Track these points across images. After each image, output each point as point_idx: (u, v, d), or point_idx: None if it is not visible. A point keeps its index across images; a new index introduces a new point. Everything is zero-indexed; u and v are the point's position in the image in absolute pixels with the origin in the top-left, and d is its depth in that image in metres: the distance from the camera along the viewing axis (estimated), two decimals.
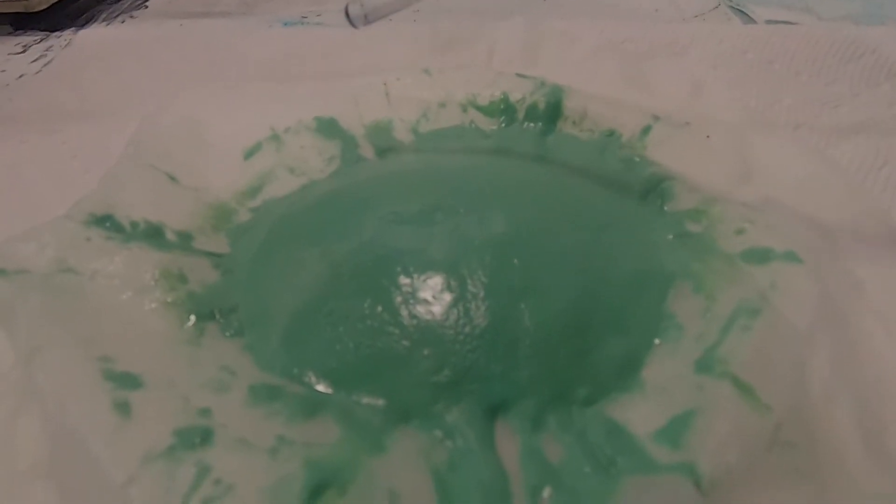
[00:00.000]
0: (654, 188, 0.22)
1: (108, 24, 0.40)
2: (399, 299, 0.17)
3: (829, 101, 0.26)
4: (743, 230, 0.19)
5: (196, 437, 0.14)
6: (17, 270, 0.18)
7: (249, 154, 0.25)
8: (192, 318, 0.18)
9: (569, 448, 0.15)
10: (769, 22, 0.34)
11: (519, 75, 0.27)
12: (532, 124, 0.26)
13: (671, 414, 0.15)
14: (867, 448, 0.14)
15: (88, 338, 0.16)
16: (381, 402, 0.16)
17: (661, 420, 0.15)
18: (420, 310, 0.17)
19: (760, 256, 0.18)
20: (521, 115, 0.26)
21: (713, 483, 0.13)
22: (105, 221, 0.20)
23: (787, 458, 0.13)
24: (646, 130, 0.24)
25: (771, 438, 0.13)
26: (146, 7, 0.42)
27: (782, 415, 0.14)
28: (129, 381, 0.15)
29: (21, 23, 0.39)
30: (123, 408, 0.14)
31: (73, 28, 0.39)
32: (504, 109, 0.26)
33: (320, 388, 0.16)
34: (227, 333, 0.18)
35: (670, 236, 0.20)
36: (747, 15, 0.35)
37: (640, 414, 0.15)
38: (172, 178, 0.23)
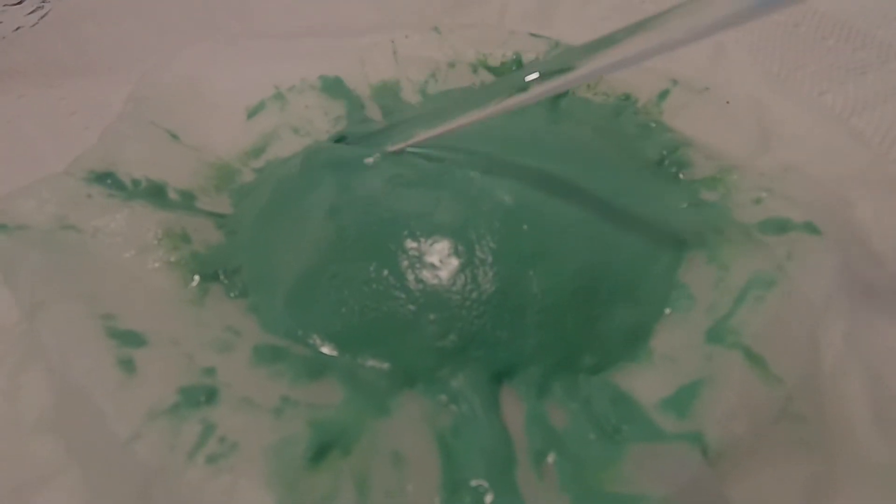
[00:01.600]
0: (670, 155, 0.21)
1: None
2: (405, 263, 0.17)
3: (855, 67, 0.25)
4: (760, 200, 0.18)
5: (201, 396, 0.14)
6: (18, 226, 0.18)
7: (252, 113, 0.24)
8: (196, 278, 0.18)
9: (574, 415, 0.15)
10: None
11: (532, 35, 0.26)
12: None
13: (679, 383, 0.14)
14: (877, 421, 0.14)
15: (92, 295, 0.16)
16: (385, 365, 0.16)
17: (669, 389, 0.14)
18: (426, 274, 0.17)
19: (778, 227, 0.17)
20: None
21: (720, 453, 0.13)
22: (106, 178, 0.20)
23: (795, 430, 0.13)
24: (663, 95, 0.23)
25: (781, 410, 0.13)
26: None
27: (793, 387, 0.14)
28: (132, 338, 0.15)
29: None
30: (128, 365, 0.14)
31: None
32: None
33: (325, 350, 0.16)
34: (231, 294, 0.18)
35: (685, 204, 0.19)
36: None
37: (647, 383, 0.15)
38: (174, 136, 0.23)
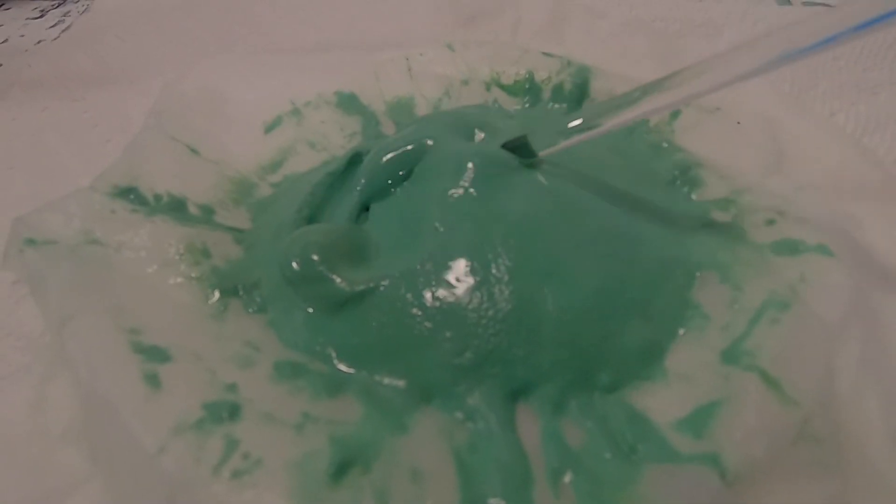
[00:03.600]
0: (682, 175, 0.21)
1: None
2: (421, 280, 0.17)
3: (866, 87, 0.25)
4: (773, 221, 0.18)
5: (224, 411, 0.14)
6: (46, 241, 0.18)
7: (270, 128, 0.25)
8: (216, 293, 0.18)
9: (590, 433, 0.15)
10: (806, 3, 0.33)
11: (545, 54, 0.27)
12: (557, 105, 0.25)
13: (695, 404, 0.15)
14: (892, 443, 0.14)
15: (118, 309, 0.16)
16: (402, 382, 0.16)
17: (685, 409, 0.15)
18: (443, 292, 0.17)
19: (791, 248, 0.17)
20: (546, 95, 0.26)
21: (738, 475, 0.13)
22: (129, 193, 0.20)
23: (812, 452, 0.13)
24: (675, 115, 0.24)
25: (798, 433, 0.13)
26: None
27: (810, 409, 0.14)
28: (157, 354, 0.15)
29: None
30: (153, 380, 0.15)
31: None
32: (529, 89, 0.26)
33: (343, 367, 0.17)
34: (250, 309, 0.18)
35: (698, 225, 0.19)
36: None
37: (662, 402, 0.15)
38: (194, 151, 0.23)
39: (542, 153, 0.19)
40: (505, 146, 0.20)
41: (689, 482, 0.13)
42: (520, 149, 0.19)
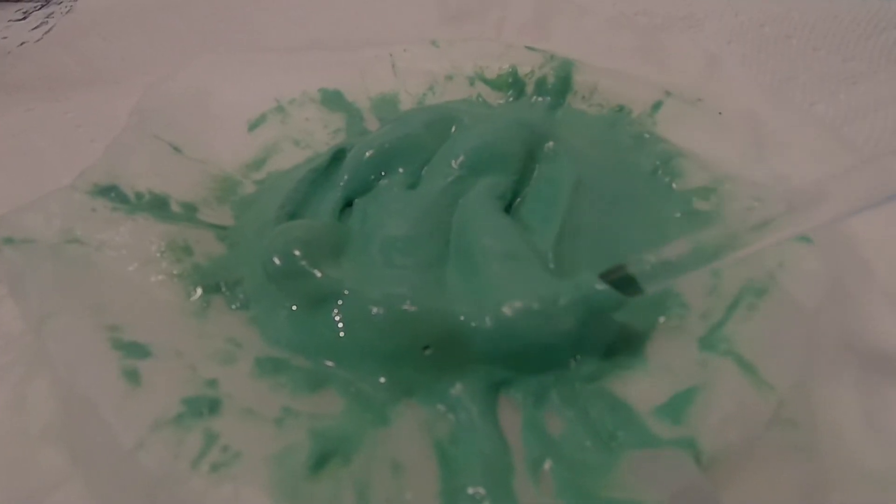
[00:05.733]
0: (664, 165, 0.21)
1: None
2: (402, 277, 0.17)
3: (846, 77, 0.25)
4: (752, 209, 0.19)
5: (204, 407, 0.14)
6: (25, 240, 0.18)
7: (254, 126, 0.25)
8: (199, 290, 0.18)
9: (570, 422, 0.15)
10: None
11: (528, 48, 0.27)
12: (541, 98, 0.25)
13: (674, 391, 0.15)
14: (869, 427, 0.14)
15: (97, 307, 0.16)
16: (383, 377, 0.16)
17: (664, 396, 0.15)
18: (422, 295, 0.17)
19: None
20: (529, 89, 0.26)
21: (713, 458, 0.13)
22: (110, 192, 0.20)
23: (787, 436, 0.14)
24: (657, 106, 0.24)
25: (772, 416, 0.14)
26: None
27: (785, 393, 0.14)
28: (137, 350, 0.15)
29: None
30: (132, 376, 0.14)
31: None
32: (512, 83, 0.26)
33: (324, 362, 0.16)
34: (233, 306, 0.18)
35: (678, 214, 0.19)
36: None
37: (642, 390, 0.15)
38: (177, 149, 0.23)
39: (649, 289, 0.15)
40: (604, 278, 0.15)
41: (666, 466, 0.13)
42: (621, 282, 0.15)
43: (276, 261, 0.17)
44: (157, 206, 0.20)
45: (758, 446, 0.13)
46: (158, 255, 0.19)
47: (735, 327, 0.15)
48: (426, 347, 0.16)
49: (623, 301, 0.15)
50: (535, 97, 0.25)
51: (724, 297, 0.16)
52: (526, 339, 0.15)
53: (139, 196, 0.20)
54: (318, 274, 0.17)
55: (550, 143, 0.22)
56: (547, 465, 0.14)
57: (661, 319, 0.17)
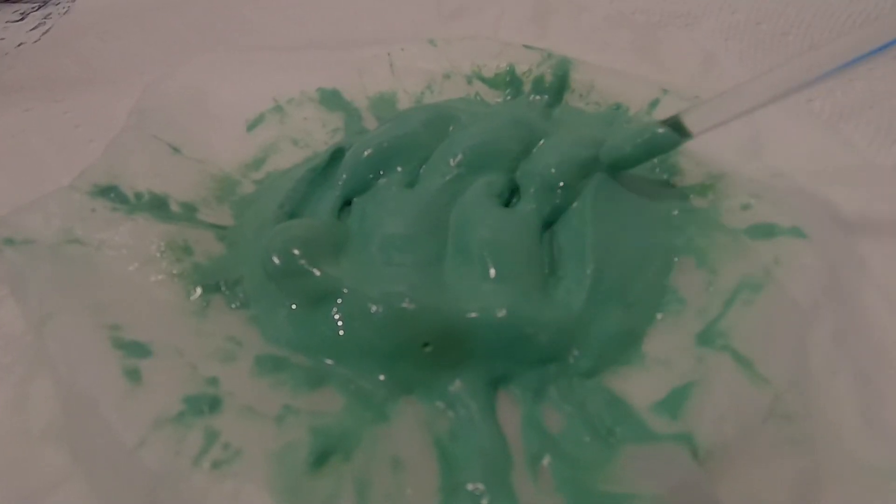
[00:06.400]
0: (661, 162, 0.21)
1: None
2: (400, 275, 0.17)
3: (842, 75, 0.25)
4: (749, 206, 0.19)
5: (204, 405, 0.14)
6: (25, 240, 0.18)
7: (252, 126, 0.25)
8: (198, 289, 0.18)
9: (569, 418, 0.15)
10: None
11: (526, 47, 0.27)
12: (538, 97, 0.25)
13: (671, 386, 0.15)
14: (864, 421, 0.14)
15: (98, 307, 0.16)
16: (382, 375, 0.16)
17: (662, 392, 0.15)
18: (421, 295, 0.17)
19: (765, 232, 0.18)
20: (527, 87, 0.26)
21: (710, 453, 0.13)
22: (109, 192, 0.20)
23: (783, 430, 0.14)
24: (653, 104, 0.24)
25: (768, 410, 0.14)
26: None
27: (781, 388, 0.14)
28: (138, 349, 0.15)
29: None
30: (133, 374, 0.15)
31: None
32: (510, 82, 0.26)
33: (324, 360, 0.17)
34: (233, 305, 0.18)
35: (675, 211, 0.20)
36: None
37: (640, 386, 0.15)
38: (176, 149, 0.23)
39: (696, 132, 0.18)
40: (664, 123, 0.19)
41: (663, 461, 0.13)
42: (676, 126, 0.19)
43: (276, 260, 0.18)
44: (157, 205, 0.20)
45: (754, 440, 0.13)
46: (158, 254, 0.19)
47: (731, 323, 0.15)
48: (426, 344, 0.16)
49: (678, 140, 0.19)
50: (532, 95, 0.25)
51: (721, 293, 0.16)
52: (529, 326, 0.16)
53: (139, 196, 0.20)
54: (317, 273, 0.17)
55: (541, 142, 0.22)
56: (546, 460, 0.14)
57: (659, 315, 0.17)
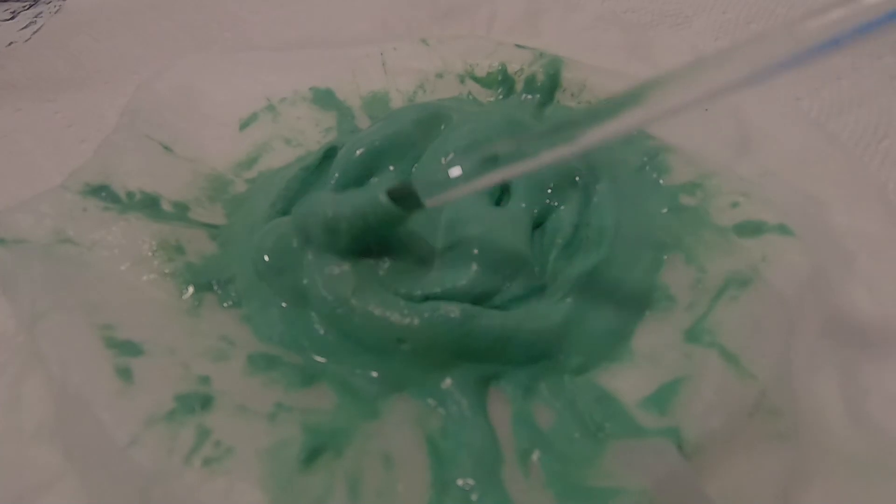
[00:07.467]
0: (651, 161, 0.22)
1: None
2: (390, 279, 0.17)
3: (830, 73, 0.26)
4: (737, 203, 0.19)
5: (196, 403, 0.14)
6: (16, 240, 0.18)
7: (245, 125, 0.25)
8: (191, 288, 0.18)
9: (559, 414, 0.15)
10: None
11: (518, 46, 0.27)
12: (530, 96, 0.26)
13: (659, 382, 0.15)
14: (849, 415, 0.14)
15: (90, 306, 0.16)
16: (375, 372, 0.16)
17: (650, 388, 0.15)
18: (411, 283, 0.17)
19: (753, 229, 0.18)
20: (519, 86, 0.26)
21: (697, 447, 0.13)
22: (101, 191, 0.20)
23: (769, 424, 0.14)
24: None
25: (754, 405, 0.14)
26: None
27: (767, 382, 0.14)
28: (130, 348, 0.15)
29: None
30: (125, 373, 0.15)
31: None
32: (502, 81, 0.26)
33: (316, 358, 0.17)
34: (225, 304, 0.18)
35: (665, 209, 0.20)
36: None
37: (629, 382, 0.15)
38: (168, 149, 0.23)
39: (429, 202, 0.16)
40: (390, 194, 0.16)
41: (649, 455, 0.13)
42: (405, 198, 0.16)
43: (266, 259, 0.18)
44: (149, 205, 0.20)
45: (740, 434, 0.14)
46: (150, 254, 0.19)
47: (718, 319, 0.16)
48: (401, 341, 0.16)
49: (400, 213, 0.16)
50: (524, 94, 0.26)
51: (709, 290, 0.17)
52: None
53: (130, 195, 0.20)
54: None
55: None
56: (535, 456, 0.14)
57: (648, 313, 0.17)
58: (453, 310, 0.16)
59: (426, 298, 0.17)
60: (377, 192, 0.16)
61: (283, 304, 0.18)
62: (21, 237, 0.18)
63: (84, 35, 0.33)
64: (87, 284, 0.17)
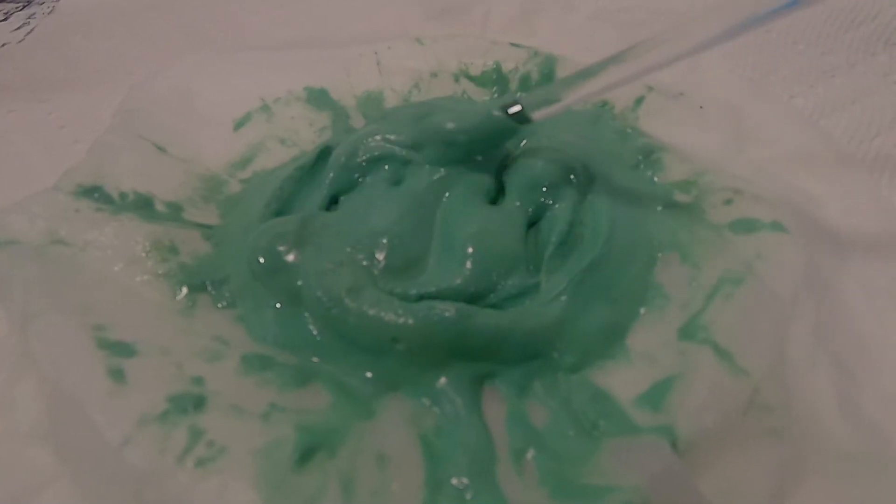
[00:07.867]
0: (645, 159, 0.22)
1: None
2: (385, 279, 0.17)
3: (824, 70, 0.26)
4: (731, 201, 0.19)
5: (189, 403, 0.14)
6: (9, 241, 0.18)
7: (239, 125, 0.25)
8: (184, 289, 0.18)
9: (553, 412, 0.15)
10: None
11: (512, 45, 0.27)
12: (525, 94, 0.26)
13: (653, 379, 0.15)
14: (842, 411, 0.14)
15: (83, 307, 0.16)
16: (369, 372, 0.16)
17: (644, 385, 0.15)
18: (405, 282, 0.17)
19: (747, 227, 0.18)
20: (513, 85, 0.26)
21: (691, 444, 0.13)
22: (94, 192, 0.20)
23: (763, 420, 0.14)
24: (639, 101, 0.24)
25: (748, 401, 0.14)
26: None
27: (760, 379, 0.14)
28: (123, 349, 0.15)
29: None
30: (118, 374, 0.15)
31: None
32: (496, 79, 0.26)
33: (311, 358, 0.17)
34: (219, 304, 0.18)
35: (660, 207, 0.20)
36: None
37: (624, 380, 0.15)
38: (161, 149, 0.23)
39: (535, 116, 0.19)
40: (501, 108, 0.19)
41: (643, 452, 0.13)
42: (516, 113, 0.19)
43: (261, 259, 0.18)
44: (142, 205, 0.20)
45: (734, 431, 0.14)
46: (144, 254, 0.19)
47: (713, 316, 0.16)
48: (395, 340, 0.16)
49: (512, 125, 0.19)
50: (519, 93, 0.26)
51: (703, 288, 0.17)
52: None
53: (123, 196, 0.20)
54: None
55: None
56: (530, 454, 0.14)
57: (643, 311, 0.17)
58: (448, 309, 0.16)
59: (421, 298, 0.17)
60: (489, 108, 0.19)
61: (278, 305, 0.17)
62: (13, 238, 0.18)
63: (77, 36, 0.33)
64: (80, 285, 0.17)
